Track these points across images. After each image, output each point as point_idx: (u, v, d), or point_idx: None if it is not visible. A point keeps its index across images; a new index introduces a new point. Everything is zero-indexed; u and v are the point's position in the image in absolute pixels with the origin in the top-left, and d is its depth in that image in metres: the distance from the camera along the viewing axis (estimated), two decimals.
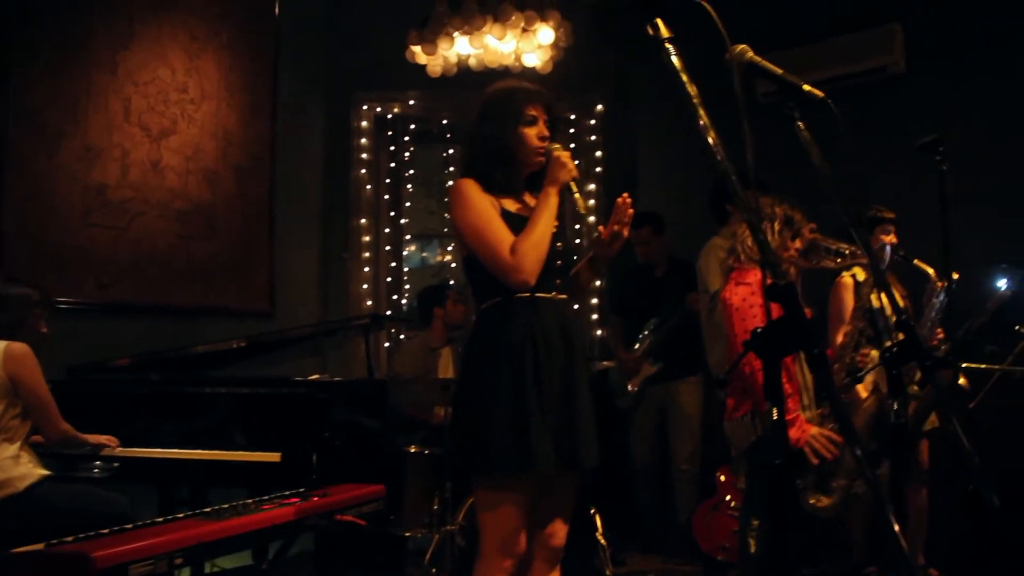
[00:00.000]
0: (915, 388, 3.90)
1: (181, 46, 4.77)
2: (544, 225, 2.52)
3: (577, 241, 6.02)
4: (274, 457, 3.70)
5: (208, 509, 3.05)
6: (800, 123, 2.08)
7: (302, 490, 3.38)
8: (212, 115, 4.86)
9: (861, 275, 4.33)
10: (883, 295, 4.27)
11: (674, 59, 1.65)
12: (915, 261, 4.00)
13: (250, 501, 3.17)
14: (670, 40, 1.65)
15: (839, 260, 3.33)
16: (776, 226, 3.22)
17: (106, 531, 2.60)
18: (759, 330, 1.43)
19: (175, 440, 3.88)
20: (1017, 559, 4.05)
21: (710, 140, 1.61)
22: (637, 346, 5.11)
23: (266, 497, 3.25)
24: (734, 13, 5.25)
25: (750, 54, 2.08)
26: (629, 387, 5.14)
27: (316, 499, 3.26)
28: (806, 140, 2.05)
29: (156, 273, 4.67)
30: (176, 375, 4.36)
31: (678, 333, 4.95)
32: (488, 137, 2.62)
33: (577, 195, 2.61)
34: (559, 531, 2.65)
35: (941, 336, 4.08)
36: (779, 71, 2.08)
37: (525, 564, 2.62)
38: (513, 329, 2.52)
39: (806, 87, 2.07)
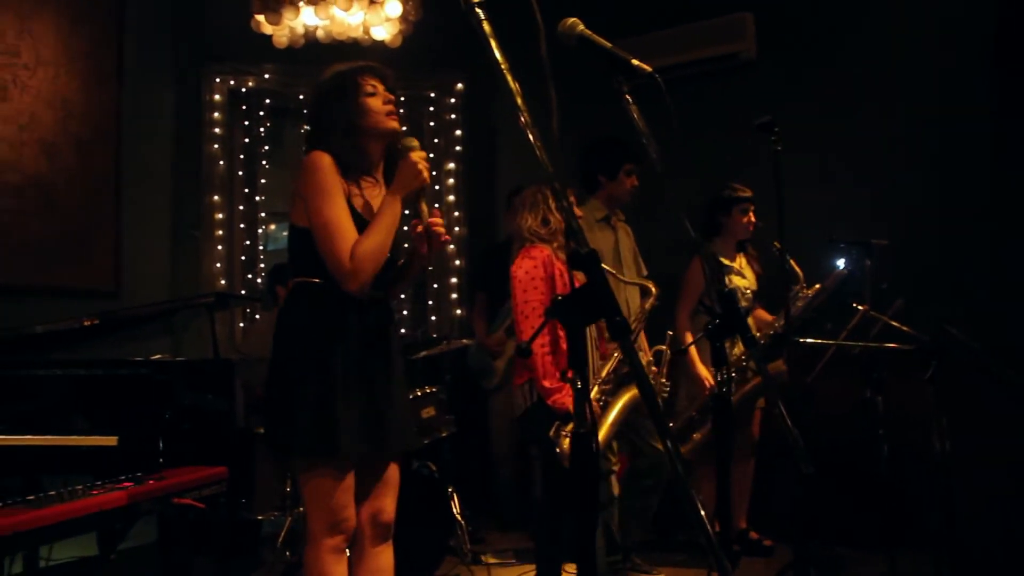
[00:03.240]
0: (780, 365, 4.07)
1: (10, 6, 4.47)
2: (385, 233, 2.45)
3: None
4: (111, 441, 3.54)
5: (31, 497, 2.88)
6: (628, 96, 2.09)
7: (139, 474, 3.25)
8: (49, 82, 4.57)
9: (725, 259, 4.49)
10: (733, 276, 4.43)
11: (484, 25, 1.62)
12: (790, 260, 4.07)
13: (79, 487, 3.03)
14: (480, 5, 1.62)
15: None
16: (543, 205, 3.53)
17: None
18: (560, 297, 1.43)
19: (6, 426, 3.66)
20: (840, 520, 4.27)
21: (522, 119, 1.59)
22: (498, 325, 5.12)
23: (99, 483, 3.12)
24: None
25: (580, 27, 2.08)
26: (497, 366, 5.14)
27: (151, 483, 3.15)
28: (635, 116, 2.06)
29: None
30: (8, 357, 4.12)
31: None
32: (336, 115, 2.55)
33: (423, 203, 2.52)
34: (387, 507, 2.64)
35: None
36: (608, 45, 2.08)
37: (354, 542, 2.60)
38: (324, 312, 2.50)
39: (634, 61, 2.07)
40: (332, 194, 2.47)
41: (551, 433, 3.28)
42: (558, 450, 3.27)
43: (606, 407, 3.39)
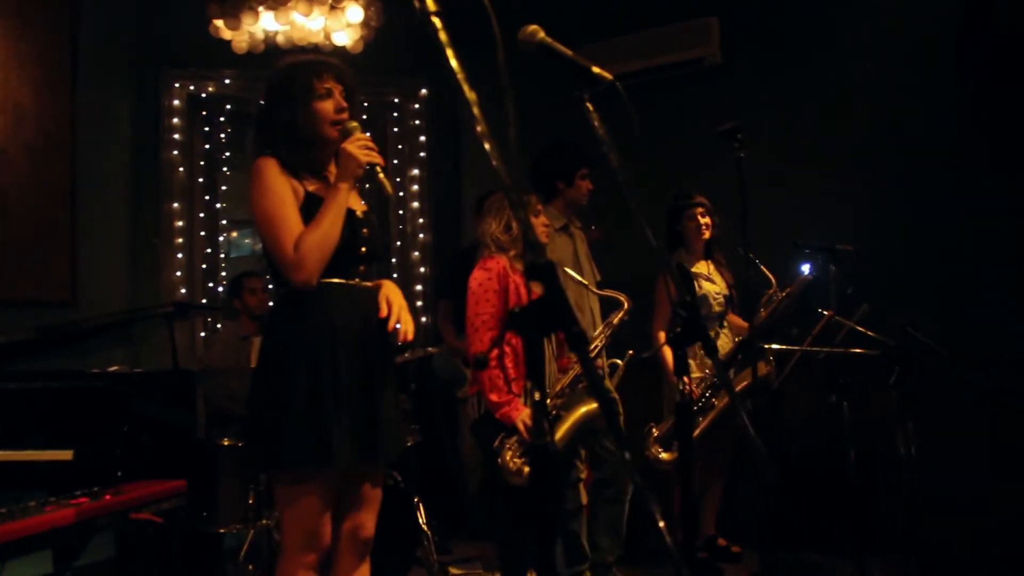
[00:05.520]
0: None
1: None
2: (330, 221, 2.42)
3: (400, 227, 5.97)
4: (66, 455, 3.46)
5: None
6: (589, 105, 2.06)
7: (95, 489, 3.18)
8: None
9: (693, 265, 4.47)
10: (702, 281, 4.42)
11: (440, 34, 1.58)
12: (762, 267, 4.07)
13: (32, 503, 2.95)
14: (436, 14, 1.59)
15: None
16: (507, 212, 3.49)
17: None
18: (517, 309, 1.39)
19: None
20: (808, 525, 4.27)
21: (479, 128, 1.55)
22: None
23: (52, 498, 3.04)
24: (555, 1, 5.29)
25: (541, 35, 2.05)
26: (469, 376, 5.08)
27: (108, 497, 3.08)
28: (596, 124, 2.03)
29: None
30: None
31: None
32: (281, 119, 2.50)
33: (382, 176, 2.50)
34: (367, 522, 2.60)
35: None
36: (569, 52, 2.06)
37: (331, 557, 2.57)
38: (308, 318, 2.45)
39: (595, 69, 2.05)
40: (273, 190, 2.43)
41: (495, 444, 3.26)
42: (499, 461, 3.26)
43: (557, 420, 3.36)
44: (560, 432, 3.35)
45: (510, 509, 3.50)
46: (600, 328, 3.63)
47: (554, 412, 3.35)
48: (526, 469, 3.21)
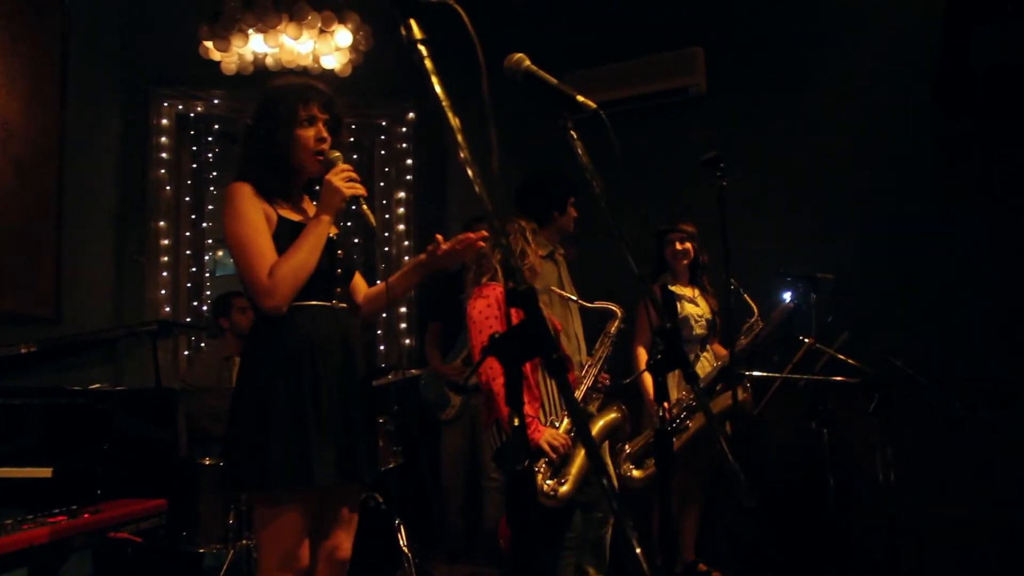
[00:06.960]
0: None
1: None
2: (308, 251, 2.44)
3: (386, 249, 5.98)
4: (45, 473, 3.44)
5: None
6: (573, 132, 2.10)
7: (74, 507, 3.17)
8: None
9: (677, 288, 4.50)
10: (685, 303, 4.44)
11: (426, 62, 1.62)
12: (745, 296, 4.12)
13: (9, 521, 2.94)
14: (422, 42, 1.62)
15: None
16: (520, 238, 3.51)
17: None
18: (497, 336, 1.42)
19: None
20: (787, 550, 4.29)
21: (462, 155, 1.58)
22: (456, 354, 5.06)
23: (30, 516, 3.03)
24: (542, 29, 5.35)
25: (527, 63, 2.09)
26: (453, 396, 5.09)
27: (86, 516, 3.07)
28: (579, 152, 2.06)
29: None
30: None
31: None
32: (261, 140, 2.51)
33: (365, 208, 2.51)
34: (343, 543, 2.61)
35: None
36: (554, 81, 2.10)
37: None
38: (288, 339, 2.45)
39: (580, 98, 2.09)
40: (246, 216, 2.44)
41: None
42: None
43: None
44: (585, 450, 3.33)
45: (535, 531, 3.46)
46: (599, 341, 3.61)
47: (572, 430, 3.33)
48: (560, 490, 3.20)
